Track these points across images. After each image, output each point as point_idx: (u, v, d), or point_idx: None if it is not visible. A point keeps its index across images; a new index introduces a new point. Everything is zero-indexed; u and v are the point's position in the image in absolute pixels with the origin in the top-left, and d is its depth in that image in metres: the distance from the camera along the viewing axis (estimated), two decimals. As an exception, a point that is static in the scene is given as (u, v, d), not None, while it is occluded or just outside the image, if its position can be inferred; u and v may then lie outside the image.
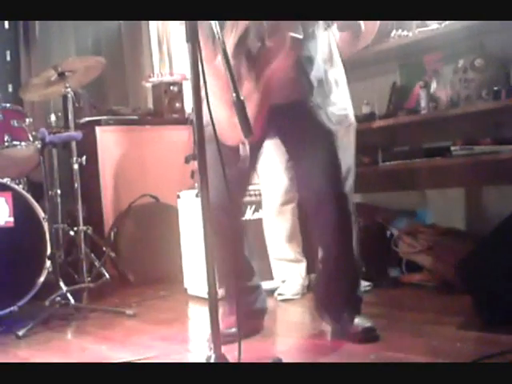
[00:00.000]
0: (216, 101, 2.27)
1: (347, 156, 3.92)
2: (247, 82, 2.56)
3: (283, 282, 3.86)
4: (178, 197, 4.25)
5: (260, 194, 3.98)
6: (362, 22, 3.40)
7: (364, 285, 3.83)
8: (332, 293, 2.82)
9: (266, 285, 3.75)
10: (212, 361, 1.91)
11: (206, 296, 1.97)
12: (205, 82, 2.02)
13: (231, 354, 1.97)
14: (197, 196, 3.89)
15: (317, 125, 2.76)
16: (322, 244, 2.85)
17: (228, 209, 2.65)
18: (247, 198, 3.89)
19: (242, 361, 1.98)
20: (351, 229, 2.80)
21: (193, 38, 1.99)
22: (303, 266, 3.91)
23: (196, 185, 3.97)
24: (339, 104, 3.85)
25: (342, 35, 3.72)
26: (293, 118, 2.73)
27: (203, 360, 1.96)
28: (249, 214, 3.98)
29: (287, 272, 3.87)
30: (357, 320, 2.77)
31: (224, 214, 2.67)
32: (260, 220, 3.94)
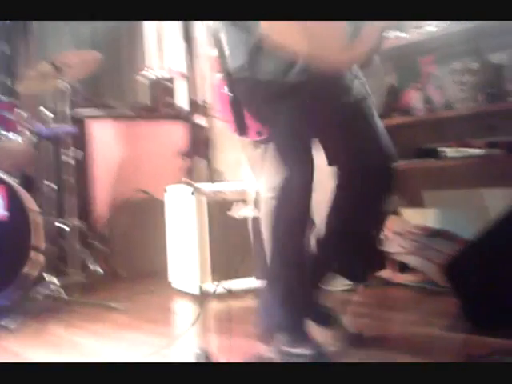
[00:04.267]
0: None
1: None
2: None
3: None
4: (165, 190, 4.26)
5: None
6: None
7: (345, 283, 3.86)
8: None
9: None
10: (199, 358, 1.93)
11: (190, 291, 1.99)
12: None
13: (217, 351, 1.99)
14: (192, 194, 3.90)
15: None
16: None
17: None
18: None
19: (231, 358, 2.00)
20: None
21: (189, 36, 2.00)
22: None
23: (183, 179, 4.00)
24: None
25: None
26: None
27: (191, 356, 1.97)
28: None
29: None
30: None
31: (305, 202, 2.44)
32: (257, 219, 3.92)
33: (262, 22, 1.96)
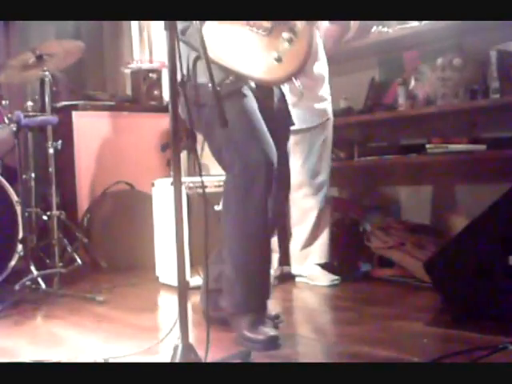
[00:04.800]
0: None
1: (326, 150, 3.97)
2: None
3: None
4: (153, 185, 4.24)
5: None
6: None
7: (332, 278, 3.87)
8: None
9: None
10: (179, 350, 1.92)
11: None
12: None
13: (199, 344, 1.98)
14: (172, 184, 3.88)
15: None
16: None
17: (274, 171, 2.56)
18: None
19: (209, 351, 1.99)
20: None
21: (171, 26, 1.99)
22: (275, 256, 3.93)
23: (171, 173, 3.98)
24: (322, 98, 3.90)
25: (331, 28, 3.72)
26: None
27: (171, 349, 1.96)
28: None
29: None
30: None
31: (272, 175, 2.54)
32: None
33: (203, 39, 2.08)
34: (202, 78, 2.45)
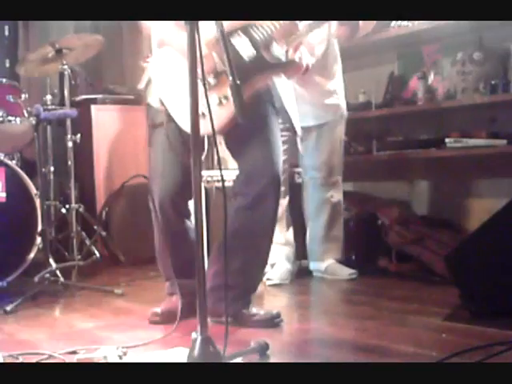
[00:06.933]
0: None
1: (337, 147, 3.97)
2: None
3: (272, 266, 3.87)
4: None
5: None
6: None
7: (349, 272, 3.87)
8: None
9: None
10: (198, 343, 1.92)
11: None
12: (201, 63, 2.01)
13: (217, 337, 1.98)
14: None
15: None
16: None
17: (177, 203, 2.83)
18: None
19: (227, 344, 1.99)
20: None
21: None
22: (291, 250, 3.93)
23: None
24: (334, 93, 3.90)
25: (340, 29, 3.75)
26: None
27: (190, 341, 1.96)
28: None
29: (276, 255, 3.88)
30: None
31: (172, 210, 2.83)
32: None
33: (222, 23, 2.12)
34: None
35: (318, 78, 3.82)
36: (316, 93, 3.83)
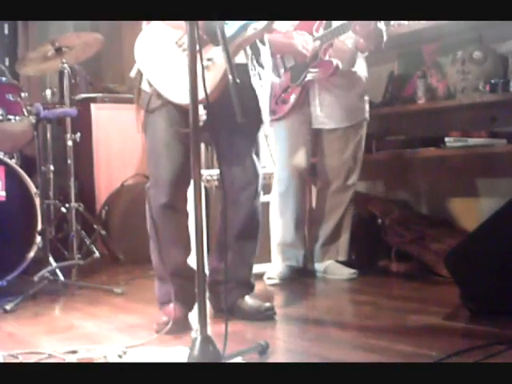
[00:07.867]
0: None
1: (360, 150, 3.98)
2: None
3: (273, 265, 3.87)
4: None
5: (270, 177, 3.95)
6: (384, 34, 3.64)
7: (350, 272, 3.86)
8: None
9: (263, 268, 3.76)
10: (197, 342, 1.92)
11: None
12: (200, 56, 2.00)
13: (217, 336, 1.98)
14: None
15: None
16: None
17: (180, 184, 2.73)
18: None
19: (227, 344, 1.99)
20: None
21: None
22: (293, 250, 3.92)
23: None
24: (361, 98, 3.92)
25: (360, 42, 3.77)
26: None
27: (190, 340, 1.97)
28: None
29: (276, 255, 3.88)
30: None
31: (175, 190, 2.74)
32: (267, 204, 3.89)
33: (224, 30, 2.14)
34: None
35: (346, 81, 3.83)
36: (346, 95, 3.84)
